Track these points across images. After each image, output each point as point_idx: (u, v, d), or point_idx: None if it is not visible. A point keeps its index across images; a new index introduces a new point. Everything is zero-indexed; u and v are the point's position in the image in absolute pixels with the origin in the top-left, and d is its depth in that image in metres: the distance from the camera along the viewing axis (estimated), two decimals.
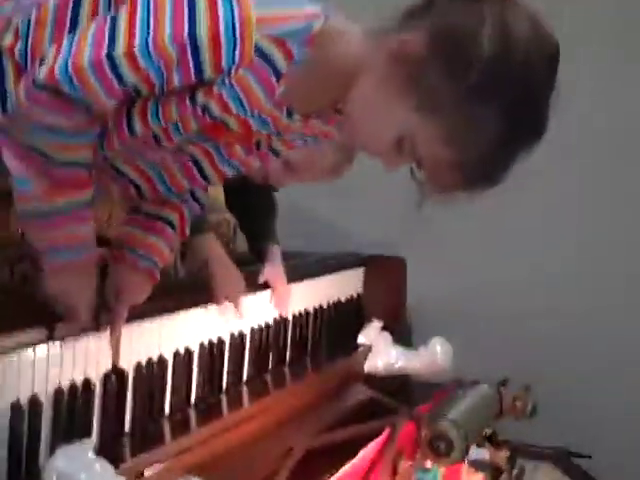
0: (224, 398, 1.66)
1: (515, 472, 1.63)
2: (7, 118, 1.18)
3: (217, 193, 1.93)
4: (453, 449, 1.40)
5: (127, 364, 1.41)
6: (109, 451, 1.29)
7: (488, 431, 1.66)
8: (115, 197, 1.39)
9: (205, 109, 1.17)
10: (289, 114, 1.22)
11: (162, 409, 1.50)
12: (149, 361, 1.46)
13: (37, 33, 1.20)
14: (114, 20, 1.12)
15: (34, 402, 1.23)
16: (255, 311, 1.79)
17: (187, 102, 1.16)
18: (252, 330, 1.78)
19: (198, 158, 1.29)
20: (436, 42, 1.10)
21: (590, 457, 2.02)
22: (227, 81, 1.14)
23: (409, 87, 1.11)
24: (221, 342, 1.66)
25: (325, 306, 2.13)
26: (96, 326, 1.33)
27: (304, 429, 1.62)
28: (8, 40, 1.22)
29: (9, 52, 1.21)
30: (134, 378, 1.43)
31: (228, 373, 1.70)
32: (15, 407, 1.21)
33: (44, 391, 1.25)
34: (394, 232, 2.32)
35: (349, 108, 1.18)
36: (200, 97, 1.16)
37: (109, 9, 1.17)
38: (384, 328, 2.13)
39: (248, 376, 1.77)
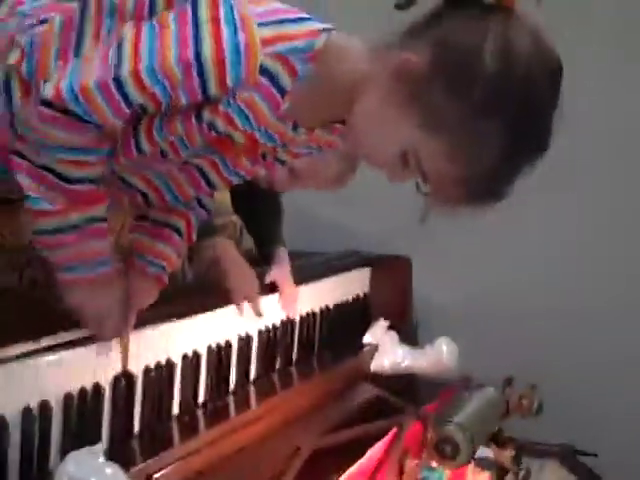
0: (231, 400, 1.67)
1: (522, 473, 1.63)
2: (19, 137, 1.18)
3: (223, 196, 1.93)
4: (459, 452, 1.40)
5: (136, 368, 1.42)
6: (119, 455, 1.30)
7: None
8: (127, 207, 1.40)
9: (211, 126, 1.18)
10: (294, 128, 1.23)
11: (170, 412, 1.52)
12: (158, 365, 1.48)
13: (43, 49, 1.21)
14: (120, 42, 1.13)
15: (44, 407, 1.25)
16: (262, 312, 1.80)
17: (193, 120, 1.17)
18: (259, 332, 1.79)
19: (205, 169, 1.29)
20: (438, 60, 1.09)
21: (596, 455, 2.02)
22: (232, 100, 1.14)
23: (412, 104, 1.11)
24: (229, 345, 1.67)
25: (332, 306, 2.14)
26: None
27: (311, 429, 1.62)
28: (14, 58, 1.22)
29: (16, 70, 1.22)
30: (143, 382, 1.44)
31: (235, 375, 1.71)
32: (26, 412, 1.22)
33: (54, 396, 1.27)
34: (400, 232, 2.32)
35: (353, 121, 1.18)
36: (206, 115, 1.16)
37: (112, 27, 1.18)
38: (390, 327, 2.14)
39: (255, 377, 1.78)
